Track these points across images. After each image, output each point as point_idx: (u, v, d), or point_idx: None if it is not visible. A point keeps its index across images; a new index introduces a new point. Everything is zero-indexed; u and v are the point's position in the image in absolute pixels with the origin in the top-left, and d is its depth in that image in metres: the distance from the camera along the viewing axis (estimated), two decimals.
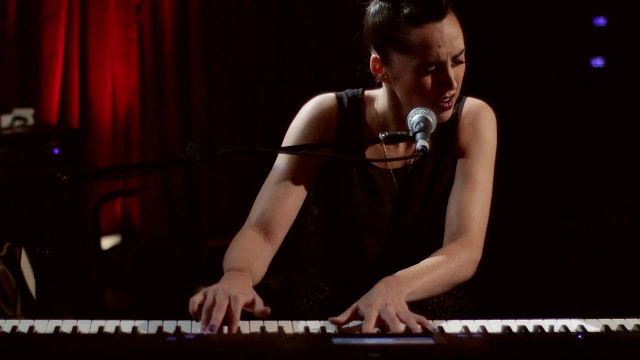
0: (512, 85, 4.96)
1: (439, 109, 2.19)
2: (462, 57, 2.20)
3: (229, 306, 1.92)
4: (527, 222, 4.97)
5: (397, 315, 1.93)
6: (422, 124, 2.08)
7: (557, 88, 5.04)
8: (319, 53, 5.43)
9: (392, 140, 2.12)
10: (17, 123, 4.61)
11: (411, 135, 2.09)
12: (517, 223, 4.95)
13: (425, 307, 2.36)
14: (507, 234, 4.93)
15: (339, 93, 2.36)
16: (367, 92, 2.37)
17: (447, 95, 2.19)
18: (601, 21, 4.98)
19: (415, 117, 2.11)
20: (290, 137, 2.33)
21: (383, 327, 1.94)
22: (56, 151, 4.44)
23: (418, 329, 1.90)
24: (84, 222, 4.86)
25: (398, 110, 2.28)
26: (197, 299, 1.96)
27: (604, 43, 4.99)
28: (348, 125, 2.33)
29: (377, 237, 2.34)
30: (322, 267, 2.44)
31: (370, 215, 2.33)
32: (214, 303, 1.93)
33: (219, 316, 1.90)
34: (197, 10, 5.30)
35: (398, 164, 2.33)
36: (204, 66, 5.36)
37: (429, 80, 2.17)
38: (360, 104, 2.35)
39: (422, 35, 2.14)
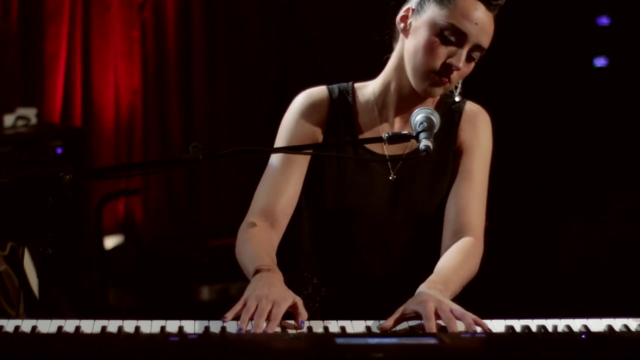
0: (515, 85, 4.95)
1: (432, 79, 2.20)
2: (477, 55, 2.22)
3: (270, 310, 1.92)
4: (530, 222, 4.97)
5: (452, 312, 1.92)
6: (425, 124, 2.07)
7: (560, 88, 5.04)
8: (322, 52, 5.42)
9: (395, 140, 2.11)
10: (20, 122, 4.61)
11: (414, 134, 2.08)
12: (521, 223, 4.95)
13: None
14: (510, 234, 4.93)
15: (329, 85, 2.39)
16: (356, 84, 2.40)
17: (448, 71, 2.19)
18: (604, 20, 4.97)
19: (418, 116, 2.10)
20: (284, 127, 2.36)
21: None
22: (59, 150, 4.44)
23: (473, 325, 1.90)
24: (86, 221, 4.86)
25: (400, 83, 2.28)
26: (237, 307, 1.95)
27: (607, 42, 4.99)
28: (338, 110, 2.35)
29: (368, 225, 2.33)
30: (315, 262, 2.43)
31: (362, 199, 2.32)
32: (256, 308, 1.92)
33: (259, 322, 1.89)
34: (200, 9, 5.30)
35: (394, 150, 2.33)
36: (207, 65, 5.36)
37: (442, 46, 2.17)
38: (351, 92, 2.37)
39: (469, 5, 2.16)
